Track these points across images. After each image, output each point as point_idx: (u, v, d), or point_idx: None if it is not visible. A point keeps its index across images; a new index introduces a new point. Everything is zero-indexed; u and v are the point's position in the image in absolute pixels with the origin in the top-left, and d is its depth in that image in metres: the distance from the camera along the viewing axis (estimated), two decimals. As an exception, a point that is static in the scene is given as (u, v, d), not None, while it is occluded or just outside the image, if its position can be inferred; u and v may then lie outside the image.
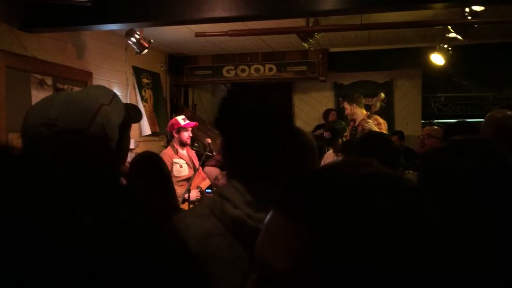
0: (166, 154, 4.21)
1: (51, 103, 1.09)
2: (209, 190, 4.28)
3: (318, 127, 6.46)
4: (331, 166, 0.55)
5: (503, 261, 0.81)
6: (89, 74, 4.82)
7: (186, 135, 4.41)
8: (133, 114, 1.30)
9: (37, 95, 3.99)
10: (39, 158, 0.38)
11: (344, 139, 4.23)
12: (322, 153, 4.31)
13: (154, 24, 4.19)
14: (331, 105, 7.28)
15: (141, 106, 5.71)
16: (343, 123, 4.65)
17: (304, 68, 6.45)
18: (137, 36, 4.66)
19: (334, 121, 5.41)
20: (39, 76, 4.16)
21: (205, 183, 4.27)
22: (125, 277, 0.33)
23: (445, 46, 5.36)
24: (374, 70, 6.94)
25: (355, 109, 4.59)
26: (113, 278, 0.32)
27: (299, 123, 6.76)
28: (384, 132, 4.34)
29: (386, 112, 6.19)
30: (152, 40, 4.85)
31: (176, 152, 4.37)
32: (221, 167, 3.00)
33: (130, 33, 4.63)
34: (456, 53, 5.53)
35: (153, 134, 5.93)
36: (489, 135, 2.31)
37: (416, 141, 6.31)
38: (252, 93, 1.16)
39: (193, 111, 7.01)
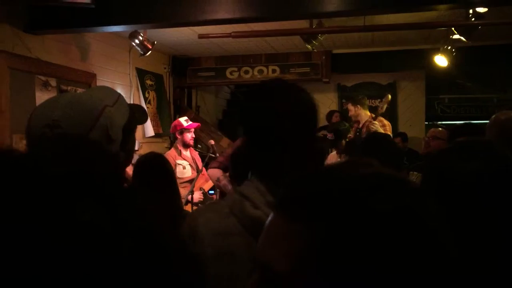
0: (170, 155, 4.22)
1: (55, 105, 1.10)
2: (212, 192, 4.28)
3: (321, 128, 6.45)
4: (331, 166, 0.55)
5: (506, 263, 0.81)
6: (93, 76, 4.84)
7: (189, 136, 4.42)
8: (138, 116, 1.29)
9: (41, 97, 4.01)
10: (39, 158, 0.38)
11: (347, 140, 4.22)
12: (325, 154, 4.31)
13: (158, 26, 4.20)
14: (334, 106, 7.28)
15: (144, 107, 5.72)
16: (347, 124, 4.65)
17: (307, 69, 6.45)
18: (141, 38, 4.67)
19: (338, 123, 5.41)
20: (43, 78, 4.18)
21: (208, 185, 4.27)
22: (123, 277, 0.32)
23: (449, 47, 5.35)
24: (378, 72, 6.93)
25: (359, 110, 4.59)
26: (111, 277, 0.32)
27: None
28: (389, 134, 4.33)
29: (390, 114, 6.18)
30: (155, 42, 4.86)
31: (180, 154, 4.37)
32: (224, 168, 3.00)
33: (133, 35, 4.64)
34: (460, 55, 5.52)
35: (157, 135, 5.94)
36: (493, 137, 2.31)
37: (419, 142, 6.31)
38: (277, 93, 1.12)
39: (196, 113, 7.01)
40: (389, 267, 0.43)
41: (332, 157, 4.19)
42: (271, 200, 0.99)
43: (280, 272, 0.47)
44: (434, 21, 4.63)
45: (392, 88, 7.14)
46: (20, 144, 3.62)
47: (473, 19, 4.26)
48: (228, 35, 4.66)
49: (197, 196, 4.07)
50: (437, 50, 5.54)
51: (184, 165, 4.31)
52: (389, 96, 4.57)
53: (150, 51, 4.85)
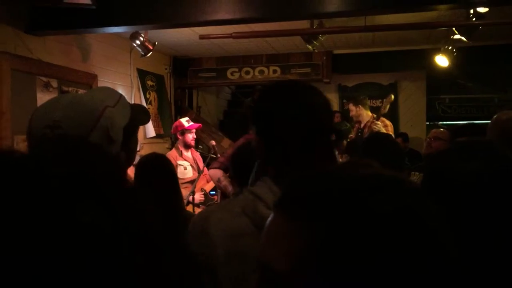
0: (171, 156, 4.21)
1: (55, 105, 1.10)
2: (214, 192, 4.28)
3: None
4: (331, 166, 0.55)
5: (506, 263, 0.81)
6: (94, 77, 4.85)
7: (190, 137, 4.42)
8: (140, 116, 1.29)
9: (43, 98, 4.01)
10: (40, 159, 0.38)
11: (348, 140, 4.22)
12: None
13: (159, 27, 4.20)
14: (335, 107, 7.28)
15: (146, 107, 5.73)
16: (348, 124, 4.65)
17: (308, 70, 6.45)
18: (142, 39, 4.68)
19: (339, 123, 5.42)
20: (44, 79, 4.18)
21: (209, 185, 4.27)
22: (123, 277, 0.33)
23: (450, 47, 5.35)
24: (378, 72, 6.93)
25: (361, 110, 4.58)
26: (111, 277, 0.32)
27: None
28: (391, 134, 4.33)
29: (391, 114, 6.18)
30: (156, 43, 4.86)
31: (181, 154, 4.37)
32: (225, 169, 3.00)
33: (134, 36, 4.65)
34: (461, 55, 5.52)
35: (158, 136, 5.94)
36: (494, 137, 2.30)
37: (420, 143, 6.30)
38: (292, 93, 1.11)
39: (197, 113, 7.02)
40: (389, 267, 0.43)
41: (333, 157, 4.18)
42: None
43: (280, 271, 0.47)
44: (434, 21, 4.62)
45: (393, 88, 7.14)
46: (21, 145, 3.62)
47: (474, 19, 4.25)
48: (229, 36, 4.67)
49: (198, 197, 4.07)
50: (438, 50, 5.54)
51: (185, 165, 4.31)
52: (392, 96, 4.57)
53: (151, 52, 4.86)
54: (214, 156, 4.17)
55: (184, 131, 4.40)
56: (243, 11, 3.55)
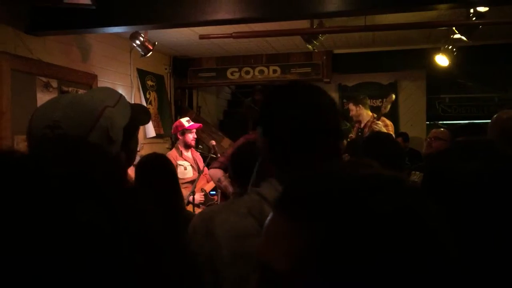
0: (171, 156, 4.21)
1: (55, 105, 1.10)
2: (214, 192, 4.28)
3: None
4: (331, 166, 0.55)
5: (506, 263, 0.81)
6: (94, 77, 4.85)
7: (191, 137, 4.42)
8: (141, 116, 1.29)
9: (43, 98, 4.01)
10: (40, 159, 0.38)
11: (348, 140, 4.22)
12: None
13: (159, 27, 4.20)
14: (335, 106, 7.27)
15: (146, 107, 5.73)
16: (348, 124, 4.65)
17: (308, 69, 6.45)
18: (142, 39, 4.68)
19: (339, 123, 5.39)
20: (44, 79, 4.18)
21: (209, 185, 4.27)
22: (123, 278, 0.33)
23: (450, 47, 5.34)
24: (378, 72, 6.93)
25: (361, 110, 4.58)
26: (111, 278, 0.32)
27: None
28: (391, 133, 4.33)
29: (391, 114, 6.19)
30: (156, 43, 4.86)
31: (181, 154, 4.37)
32: (225, 169, 3.00)
33: (134, 36, 4.65)
34: (461, 54, 5.51)
35: (158, 136, 5.94)
36: (495, 136, 2.30)
37: (420, 142, 6.30)
38: (300, 93, 1.12)
39: (197, 113, 7.02)
40: (389, 267, 0.43)
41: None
42: None
43: (280, 271, 0.47)
44: (434, 20, 4.62)
45: (393, 88, 7.13)
46: (21, 145, 3.62)
47: (474, 18, 4.25)
48: (229, 36, 4.67)
49: (198, 197, 4.07)
50: (438, 50, 5.54)
51: (185, 165, 4.31)
52: (393, 96, 4.57)
53: (151, 52, 4.86)
54: (214, 156, 4.17)
55: (184, 131, 4.40)
56: (243, 11, 3.55)
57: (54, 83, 4.29)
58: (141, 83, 5.81)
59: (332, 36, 5.29)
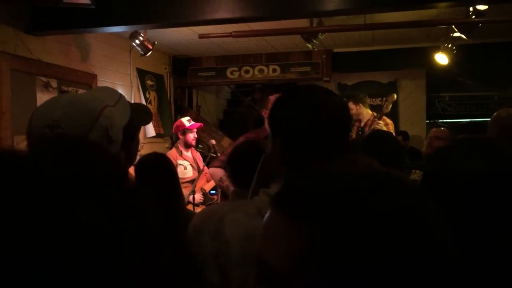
0: (171, 155, 4.22)
1: (55, 105, 1.10)
2: (214, 192, 4.28)
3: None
4: (331, 166, 0.55)
5: (506, 263, 0.81)
6: (94, 77, 4.84)
7: (192, 137, 4.42)
8: (142, 116, 1.29)
9: (42, 98, 4.01)
10: (40, 159, 0.38)
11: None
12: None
13: (158, 26, 4.20)
14: (335, 105, 7.26)
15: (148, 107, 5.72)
16: (347, 123, 4.63)
17: (308, 68, 6.45)
18: (141, 38, 4.67)
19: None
20: (44, 79, 4.18)
21: (209, 185, 4.27)
22: (123, 278, 0.33)
23: (449, 45, 5.34)
24: (378, 70, 6.92)
25: (361, 109, 4.58)
26: (111, 278, 0.32)
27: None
28: (392, 132, 4.33)
29: (391, 113, 6.19)
30: (156, 42, 4.86)
31: (181, 154, 4.37)
32: (226, 168, 3.00)
33: (134, 35, 4.64)
34: (460, 53, 5.51)
35: (158, 135, 5.94)
36: (494, 134, 2.31)
37: (420, 141, 6.30)
38: (312, 95, 1.13)
39: (197, 113, 7.02)
40: (388, 267, 0.43)
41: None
42: None
43: (279, 270, 0.47)
44: (434, 19, 4.62)
45: (392, 86, 7.13)
46: (21, 145, 3.62)
47: (473, 16, 4.25)
48: (229, 35, 4.66)
49: (198, 197, 4.07)
50: (437, 48, 5.53)
51: (185, 165, 4.31)
52: (395, 96, 4.56)
53: (150, 52, 4.85)
54: (214, 155, 4.17)
55: (185, 130, 4.40)
56: (243, 10, 3.54)
57: (54, 83, 4.29)
58: (140, 83, 5.81)
59: (331, 35, 5.29)
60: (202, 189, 4.21)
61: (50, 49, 4.29)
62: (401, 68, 6.76)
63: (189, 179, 4.23)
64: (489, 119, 2.47)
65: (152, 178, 2.45)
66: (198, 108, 7.36)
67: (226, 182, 2.96)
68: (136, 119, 1.22)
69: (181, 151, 4.39)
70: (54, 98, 1.19)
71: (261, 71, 6.55)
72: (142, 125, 1.31)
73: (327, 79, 6.52)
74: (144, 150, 5.35)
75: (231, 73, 6.61)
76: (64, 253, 0.31)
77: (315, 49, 5.28)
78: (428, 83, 7.22)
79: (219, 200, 3.99)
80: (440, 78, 6.99)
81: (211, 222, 1.10)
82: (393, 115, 6.59)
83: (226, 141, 6.28)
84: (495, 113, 2.47)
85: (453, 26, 4.54)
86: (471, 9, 4.18)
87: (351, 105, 4.65)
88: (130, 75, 5.61)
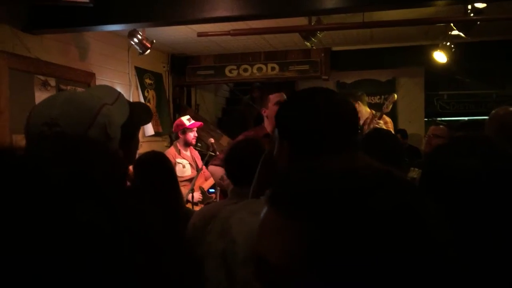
0: (169, 154, 4.22)
1: (53, 103, 1.10)
2: (213, 190, 4.28)
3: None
4: (328, 163, 0.55)
5: (504, 262, 0.81)
6: (92, 75, 4.84)
7: (192, 136, 4.42)
8: (142, 115, 1.29)
9: (41, 96, 4.00)
10: (40, 158, 0.38)
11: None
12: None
13: (156, 24, 4.19)
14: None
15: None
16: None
17: (306, 67, 6.44)
18: (140, 37, 4.67)
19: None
20: (42, 77, 4.17)
21: (208, 184, 4.27)
22: (123, 277, 0.33)
23: (448, 43, 5.34)
24: (377, 69, 6.93)
25: (360, 107, 4.58)
26: (111, 278, 0.32)
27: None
28: (391, 130, 4.33)
29: (389, 111, 6.19)
30: (154, 41, 4.85)
31: (179, 152, 4.37)
32: (225, 166, 2.99)
33: (132, 34, 4.64)
34: (459, 51, 5.51)
35: (156, 134, 5.93)
36: (492, 132, 2.31)
37: (419, 139, 6.30)
38: (321, 97, 1.13)
39: (195, 111, 7.01)
40: (387, 266, 0.43)
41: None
42: None
43: (275, 266, 0.47)
44: (433, 17, 4.62)
45: (391, 84, 7.14)
46: (20, 144, 3.61)
47: (472, 14, 4.25)
48: (227, 33, 4.65)
49: (197, 195, 4.07)
50: (436, 46, 5.53)
51: (183, 163, 4.31)
52: (395, 96, 4.56)
53: (149, 50, 4.84)
54: (213, 154, 4.17)
55: (185, 129, 4.40)
56: (241, 8, 3.54)
57: (52, 82, 4.28)
58: (139, 81, 5.80)
59: (330, 33, 5.28)
60: (200, 188, 4.21)
61: (48, 47, 4.28)
62: (399, 66, 6.77)
63: (187, 178, 4.23)
64: (487, 117, 2.48)
65: (151, 177, 2.45)
66: (197, 106, 7.35)
67: (227, 181, 2.96)
68: (136, 118, 1.21)
69: (179, 150, 4.39)
70: (52, 96, 1.19)
71: (259, 69, 6.54)
72: (142, 125, 1.31)
73: (326, 77, 6.52)
74: (142, 148, 5.34)
75: (230, 71, 6.61)
76: (64, 253, 0.31)
77: (314, 47, 5.28)
78: (426, 81, 7.22)
79: (217, 198, 3.99)
80: (439, 76, 7.00)
81: (217, 221, 1.10)
82: (392, 113, 6.59)
83: (225, 140, 6.28)
84: (493, 111, 2.47)
85: (452, 24, 4.54)
86: (469, 7, 4.18)
87: (350, 103, 4.65)
88: (128, 73, 5.60)
